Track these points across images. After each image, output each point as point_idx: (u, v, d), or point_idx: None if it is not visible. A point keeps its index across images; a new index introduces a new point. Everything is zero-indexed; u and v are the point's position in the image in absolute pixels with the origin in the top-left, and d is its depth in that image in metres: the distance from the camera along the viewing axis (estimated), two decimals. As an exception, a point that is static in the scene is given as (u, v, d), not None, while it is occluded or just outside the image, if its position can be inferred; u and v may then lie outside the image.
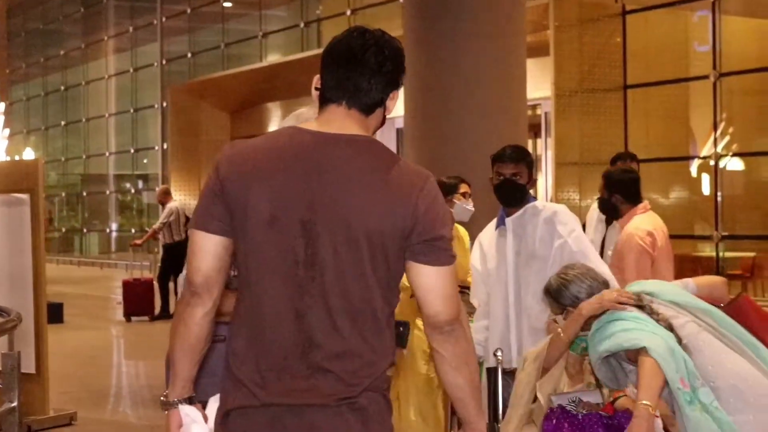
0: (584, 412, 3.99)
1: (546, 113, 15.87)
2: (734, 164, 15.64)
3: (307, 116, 3.47)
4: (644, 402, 3.67)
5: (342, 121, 2.73)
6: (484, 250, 5.28)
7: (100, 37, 30.71)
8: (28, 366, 8.41)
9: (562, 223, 5.06)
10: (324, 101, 2.78)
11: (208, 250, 2.71)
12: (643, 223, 6.15)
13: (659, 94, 15.67)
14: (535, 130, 17.14)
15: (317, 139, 2.69)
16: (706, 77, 14.76)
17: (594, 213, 7.48)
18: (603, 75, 15.25)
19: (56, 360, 10.06)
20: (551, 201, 15.00)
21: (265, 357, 2.64)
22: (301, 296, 2.62)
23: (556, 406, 4.04)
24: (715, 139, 14.88)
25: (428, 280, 2.68)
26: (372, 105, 2.76)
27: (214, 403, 2.84)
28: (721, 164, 15.00)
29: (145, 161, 29.84)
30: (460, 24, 11.24)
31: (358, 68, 2.72)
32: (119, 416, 9.15)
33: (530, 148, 17.12)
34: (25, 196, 8.33)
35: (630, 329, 3.89)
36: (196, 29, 26.94)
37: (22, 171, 8.73)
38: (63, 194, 34.48)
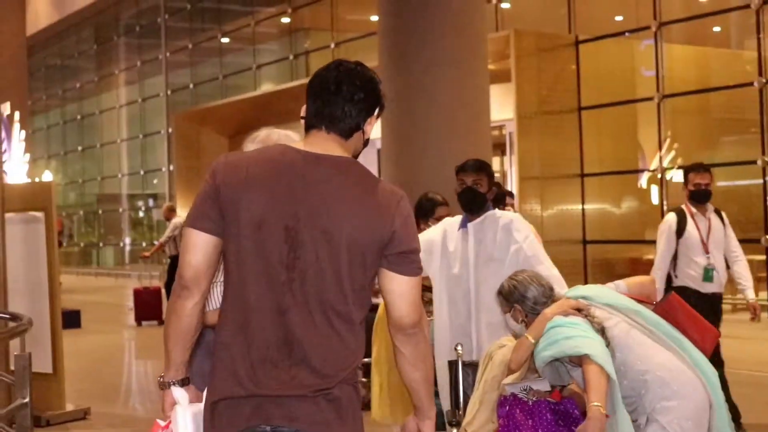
0: (534, 399, 4.00)
1: (510, 133, 15.90)
2: (679, 176, 15.67)
3: (260, 138, 3.54)
4: (595, 404, 3.69)
5: (324, 144, 2.75)
6: (449, 250, 5.21)
7: (112, 71, 30.69)
8: (46, 366, 8.41)
9: (518, 230, 5.06)
10: (307, 127, 2.80)
11: (199, 247, 2.70)
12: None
13: (610, 114, 15.73)
14: (501, 149, 17.20)
15: (304, 157, 2.70)
16: (651, 99, 14.85)
17: (666, 226, 7.43)
18: (559, 98, 15.30)
19: (73, 361, 10.05)
20: (517, 213, 15.00)
21: (251, 347, 2.64)
22: (283, 295, 2.62)
23: (509, 394, 4.05)
24: (660, 154, 14.95)
25: (398, 287, 2.71)
26: (348, 130, 2.77)
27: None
28: (667, 176, 15.06)
29: (155, 182, 29.74)
30: (428, 53, 11.27)
31: (333, 98, 2.75)
32: (129, 410, 9.13)
33: (497, 165, 17.30)
34: (40, 214, 8.34)
35: (571, 336, 3.92)
36: (197, 63, 26.88)
37: (37, 191, 8.74)
38: (81, 212, 34.35)
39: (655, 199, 15.79)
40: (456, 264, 5.16)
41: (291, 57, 23.04)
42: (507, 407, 3.95)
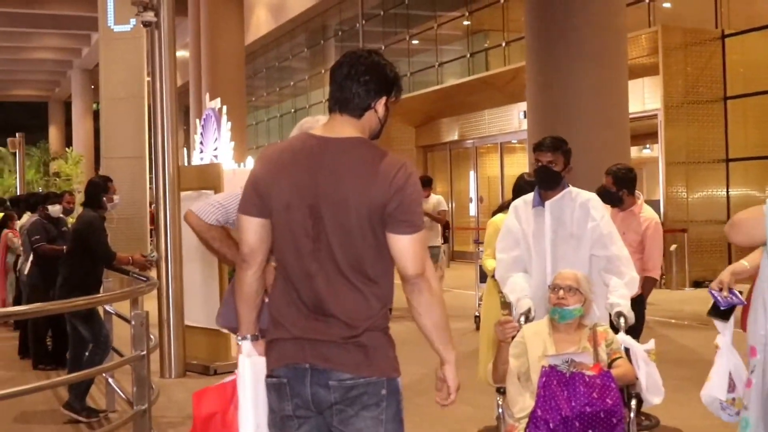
0: (573, 370, 3.70)
1: (660, 122, 15.20)
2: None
3: (310, 124, 3.52)
4: None
5: (340, 126, 2.83)
6: (523, 228, 4.88)
7: (319, 70, 31.28)
8: (215, 324, 8.62)
9: (595, 209, 4.73)
10: (329, 111, 2.89)
11: (250, 229, 2.84)
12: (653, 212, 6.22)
13: (755, 103, 14.76)
14: (655, 137, 16.49)
15: (320, 142, 2.80)
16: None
17: None
18: (705, 89, 14.60)
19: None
20: (663, 195, 14.49)
21: (292, 305, 2.79)
22: (311, 263, 2.75)
23: (548, 366, 3.77)
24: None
25: (398, 244, 2.72)
26: (359, 110, 2.81)
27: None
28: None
29: (358, 166, 30.15)
30: (572, 51, 10.89)
31: (343, 82, 2.82)
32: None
33: (653, 152, 16.44)
34: (210, 192, 8.53)
35: None
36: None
37: (208, 172, 8.96)
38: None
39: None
40: (532, 241, 4.84)
41: (468, 55, 22.88)
42: (544, 378, 3.67)
